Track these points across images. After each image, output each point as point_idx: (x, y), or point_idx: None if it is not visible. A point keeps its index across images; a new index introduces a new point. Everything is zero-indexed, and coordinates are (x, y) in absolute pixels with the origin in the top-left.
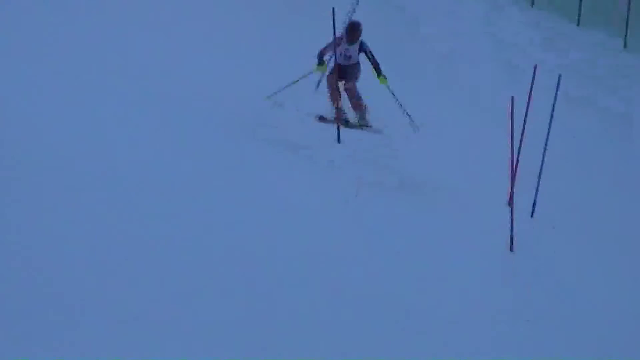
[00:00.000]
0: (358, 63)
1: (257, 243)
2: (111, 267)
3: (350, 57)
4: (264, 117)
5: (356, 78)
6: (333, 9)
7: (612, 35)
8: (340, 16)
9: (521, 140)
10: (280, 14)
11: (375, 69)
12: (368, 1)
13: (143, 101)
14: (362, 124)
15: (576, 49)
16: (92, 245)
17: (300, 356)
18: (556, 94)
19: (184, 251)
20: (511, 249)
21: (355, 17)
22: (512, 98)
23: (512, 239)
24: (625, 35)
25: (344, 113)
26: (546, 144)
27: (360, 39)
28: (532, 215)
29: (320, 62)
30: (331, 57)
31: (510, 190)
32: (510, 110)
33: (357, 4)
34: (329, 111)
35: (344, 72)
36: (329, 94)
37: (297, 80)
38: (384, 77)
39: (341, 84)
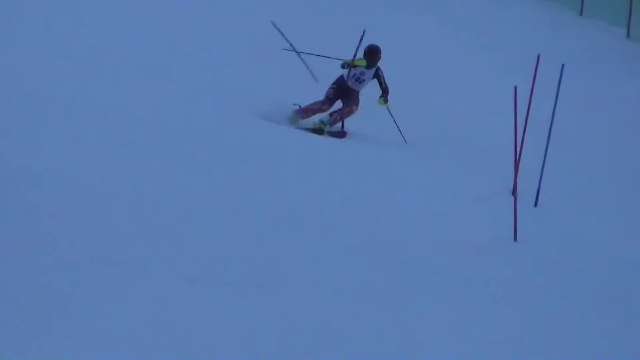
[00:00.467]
0: (359, 92)
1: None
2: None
3: (362, 81)
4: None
5: (355, 104)
6: (364, 30)
7: (615, 24)
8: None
9: (524, 130)
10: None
11: (383, 93)
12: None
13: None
14: (328, 130)
15: (579, 38)
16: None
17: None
18: (559, 83)
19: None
20: (515, 239)
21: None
22: (515, 87)
23: (515, 228)
24: (628, 24)
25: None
26: (549, 134)
27: (378, 64)
28: (535, 205)
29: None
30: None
31: (514, 180)
32: (514, 100)
33: (364, 33)
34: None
35: (347, 93)
36: (320, 101)
37: (326, 57)
38: (386, 100)
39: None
